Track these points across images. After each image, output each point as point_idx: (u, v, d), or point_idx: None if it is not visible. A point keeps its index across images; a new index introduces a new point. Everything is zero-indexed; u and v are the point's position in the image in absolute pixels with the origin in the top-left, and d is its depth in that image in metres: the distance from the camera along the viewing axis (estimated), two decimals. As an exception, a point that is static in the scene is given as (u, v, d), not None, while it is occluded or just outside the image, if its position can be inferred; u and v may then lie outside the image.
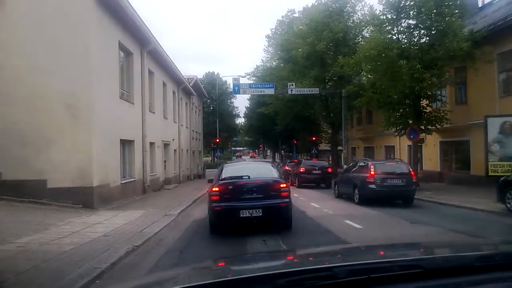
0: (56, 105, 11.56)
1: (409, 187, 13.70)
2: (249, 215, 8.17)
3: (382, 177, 13.61)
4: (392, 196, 13.82)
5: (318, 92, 27.42)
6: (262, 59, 53.01)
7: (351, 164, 18.10)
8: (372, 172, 13.73)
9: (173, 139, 24.14)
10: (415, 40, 18.91)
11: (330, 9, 28.18)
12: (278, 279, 1.49)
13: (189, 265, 2.70)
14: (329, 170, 24.00)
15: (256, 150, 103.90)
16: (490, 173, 13.52)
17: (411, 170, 14.60)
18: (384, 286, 1.53)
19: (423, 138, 20.58)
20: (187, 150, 29.79)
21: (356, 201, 14.40)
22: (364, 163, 15.33)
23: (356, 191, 14.49)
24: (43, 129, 11.52)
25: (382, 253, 2.40)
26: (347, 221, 10.24)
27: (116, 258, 6.16)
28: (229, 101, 63.93)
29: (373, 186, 13.58)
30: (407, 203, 13.78)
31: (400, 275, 1.57)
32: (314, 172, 23.10)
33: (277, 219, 8.84)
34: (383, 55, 17.70)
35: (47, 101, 11.55)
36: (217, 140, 41.98)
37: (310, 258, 2.36)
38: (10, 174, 11.39)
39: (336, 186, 17.36)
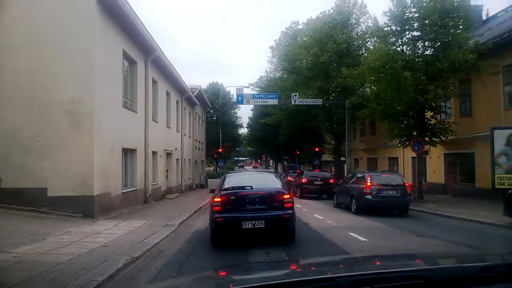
0: (58, 112, 11.47)
1: (403, 198, 14.26)
2: (252, 226, 8.01)
3: (378, 188, 14.22)
4: (387, 207, 14.35)
5: (321, 103, 27.36)
6: (266, 70, 53.10)
7: (349, 176, 18.59)
8: (369, 184, 14.36)
9: (176, 149, 24.05)
10: (420, 51, 18.85)
11: (335, 21, 28.24)
12: None
13: (191, 275, 2.62)
14: (331, 181, 23.93)
15: (259, 161, 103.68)
16: (496, 186, 13.26)
17: (405, 182, 15.13)
18: None
19: (427, 150, 20.40)
20: (189, 159, 29.68)
21: (353, 210, 14.91)
22: (361, 174, 16.00)
23: (353, 201, 15.05)
24: (44, 136, 11.42)
25: (384, 263, 2.39)
26: (352, 234, 10.04)
27: (113, 270, 5.99)
28: (232, 111, 63.99)
29: (369, 196, 14.17)
30: (401, 213, 14.26)
31: (403, 285, 1.56)
32: (316, 183, 23.17)
33: (280, 231, 8.68)
34: (388, 66, 17.65)
35: (49, 108, 11.47)
36: (220, 150, 41.85)
37: (313, 268, 2.35)
38: (10, 182, 11.28)
39: (335, 196, 17.82)
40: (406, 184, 14.84)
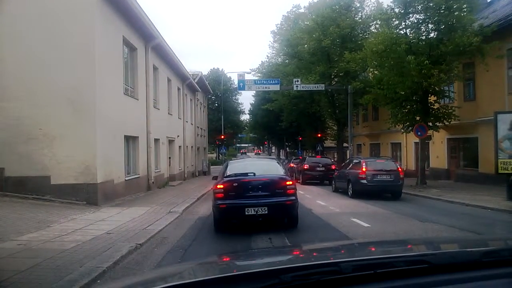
0: (59, 101, 11.44)
1: (396, 182, 14.90)
2: (255, 213, 8.03)
3: (373, 173, 14.92)
4: (381, 190, 15.04)
5: (323, 88, 27.16)
6: (267, 55, 52.79)
7: (347, 161, 19.32)
8: (364, 169, 15.06)
9: (178, 136, 24.04)
10: (423, 35, 18.61)
11: (338, 4, 27.84)
12: (284, 274, 1.46)
13: (194, 261, 2.62)
14: (333, 167, 23.93)
15: (261, 147, 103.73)
16: (499, 171, 13.23)
17: (398, 167, 15.78)
18: (389, 282, 1.51)
19: (431, 135, 20.32)
20: (191, 146, 29.69)
21: (349, 195, 15.60)
22: (357, 160, 16.69)
23: (350, 186, 15.79)
24: (47, 124, 11.42)
25: (387, 248, 2.40)
26: (355, 219, 10.07)
27: (118, 257, 6.03)
28: (234, 97, 63.84)
29: (364, 181, 14.87)
30: (395, 196, 14.94)
31: (406, 270, 1.56)
32: (318, 169, 23.28)
33: (283, 217, 8.71)
34: (391, 50, 17.43)
35: (51, 96, 11.44)
36: (222, 137, 41.84)
37: (315, 254, 2.36)
38: (13, 170, 11.32)
39: (334, 181, 18.48)
40: (399, 169, 15.49)
